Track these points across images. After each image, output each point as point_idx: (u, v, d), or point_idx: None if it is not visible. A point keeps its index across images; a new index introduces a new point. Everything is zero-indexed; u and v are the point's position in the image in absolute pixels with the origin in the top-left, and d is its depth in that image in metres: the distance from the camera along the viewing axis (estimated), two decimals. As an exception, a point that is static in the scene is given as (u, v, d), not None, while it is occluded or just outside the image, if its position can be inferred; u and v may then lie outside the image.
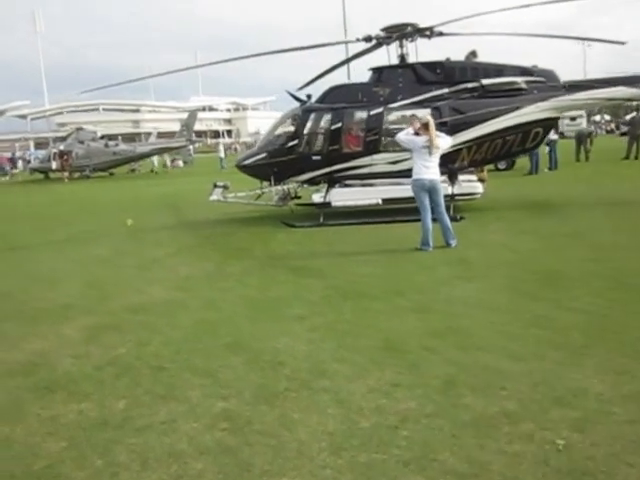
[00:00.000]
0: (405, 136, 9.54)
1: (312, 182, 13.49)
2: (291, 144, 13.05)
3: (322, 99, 13.27)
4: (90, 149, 37.50)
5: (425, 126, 9.18)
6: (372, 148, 12.77)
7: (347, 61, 13.62)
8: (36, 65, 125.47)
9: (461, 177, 13.12)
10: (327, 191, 12.91)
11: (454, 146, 12.48)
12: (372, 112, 12.70)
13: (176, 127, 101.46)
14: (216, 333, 6.11)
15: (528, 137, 12.79)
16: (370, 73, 13.41)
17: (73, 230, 14.28)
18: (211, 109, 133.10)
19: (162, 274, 9.12)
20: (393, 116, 13.04)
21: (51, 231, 14.31)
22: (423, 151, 9.21)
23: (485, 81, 12.59)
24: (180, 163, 49.84)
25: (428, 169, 9.27)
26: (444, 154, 12.55)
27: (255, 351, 5.53)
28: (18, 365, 5.61)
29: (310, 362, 5.18)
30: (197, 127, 49.85)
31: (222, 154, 43.01)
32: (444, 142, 9.40)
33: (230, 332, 6.11)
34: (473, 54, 13.06)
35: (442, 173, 12.88)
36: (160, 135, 50.46)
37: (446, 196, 12.38)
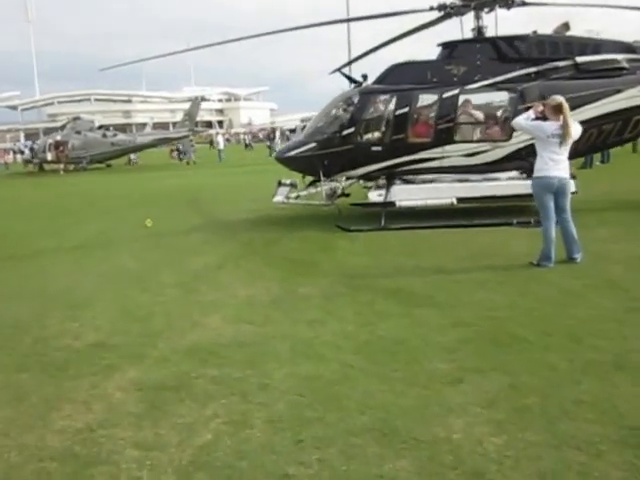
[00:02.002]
0: (527, 121, 7.60)
1: (368, 177, 11.56)
2: (346, 132, 11.11)
3: (382, 79, 11.32)
4: (87, 139, 35.34)
5: (557, 109, 7.24)
6: (444, 138, 10.84)
7: (408, 34, 11.63)
8: (27, 55, 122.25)
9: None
10: (388, 188, 10.96)
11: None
12: (445, 95, 10.76)
13: (169, 117, 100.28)
14: (341, 404, 4.19)
15: (627, 126, 10.91)
16: (439, 49, 11.45)
17: (85, 232, 12.30)
18: (203, 99, 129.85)
19: (214, 296, 7.18)
20: (470, 99, 11.09)
21: (60, 233, 12.30)
22: (553, 141, 7.27)
23: (580, 59, 10.68)
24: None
25: (557, 164, 7.35)
26: (525, 146, 10.77)
27: (422, 444, 3.62)
28: (54, 461, 3.71)
29: (524, 475, 3.26)
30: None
31: (221, 145, 40.91)
32: (578, 130, 7.45)
33: (361, 402, 4.19)
34: (565, 26, 11.11)
35: (520, 168, 11.15)
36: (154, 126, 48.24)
37: (532, 195, 10.59)
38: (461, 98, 10.82)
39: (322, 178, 11.27)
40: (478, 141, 10.92)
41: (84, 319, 6.53)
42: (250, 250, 9.88)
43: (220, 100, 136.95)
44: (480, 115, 11.29)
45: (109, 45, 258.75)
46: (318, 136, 11.41)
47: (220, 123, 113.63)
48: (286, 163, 11.85)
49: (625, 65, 10.77)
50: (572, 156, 11.84)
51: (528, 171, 10.86)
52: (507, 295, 6.51)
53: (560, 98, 7.31)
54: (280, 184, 11.58)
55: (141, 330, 6.08)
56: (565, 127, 7.16)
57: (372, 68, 11.80)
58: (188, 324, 6.19)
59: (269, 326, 5.97)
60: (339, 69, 13.16)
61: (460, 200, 10.66)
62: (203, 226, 12.48)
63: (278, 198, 11.51)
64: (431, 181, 11.19)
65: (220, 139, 45.40)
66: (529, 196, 10.59)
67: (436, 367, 4.72)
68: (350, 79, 11.70)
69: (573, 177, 11.30)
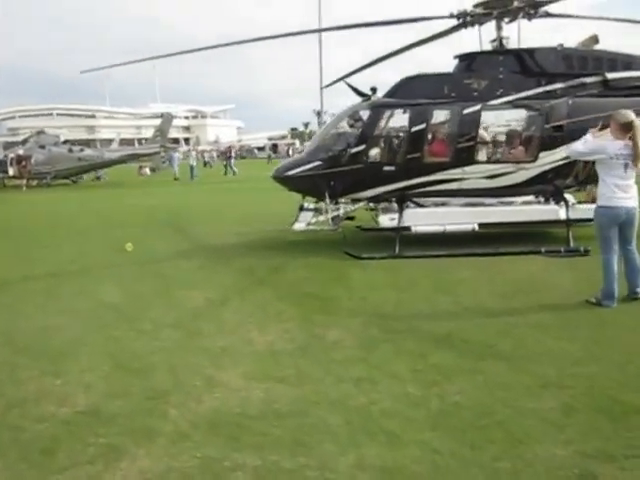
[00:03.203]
0: (585, 144, 6.57)
1: (377, 199, 10.45)
2: (354, 150, 10.01)
3: (393, 93, 10.26)
4: (52, 154, 33.45)
5: (626, 127, 6.26)
6: (464, 158, 9.83)
7: (420, 43, 10.61)
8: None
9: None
10: (401, 212, 9.89)
11: (567, 157, 9.72)
12: (465, 111, 9.76)
13: (134, 134, 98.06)
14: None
15: None
16: (456, 62, 10.49)
17: (56, 257, 10.86)
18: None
19: (225, 341, 5.95)
20: (492, 116, 10.15)
21: (27, 259, 10.81)
22: (617, 163, 6.28)
23: (610, 75, 9.82)
24: (147, 171, 45.97)
25: (625, 192, 6.35)
26: (551, 168, 9.90)
27: None
28: None
29: None
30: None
31: (194, 162, 39.23)
32: None
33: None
34: (593, 39, 10.26)
35: (544, 192, 10.26)
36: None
37: (559, 222, 9.73)
38: (483, 115, 9.83)
39: (327, 200, 10.12)
40: (501, 162, 9.95)
41: (68, 373, 5.24)
42: (253, 280, 8.66)
43: (186, 117, 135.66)
44: (503, 134, 10.38)
45: (70, 60, 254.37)
46: (323, 154, 10.28)
47: (187, 140, 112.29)
48: (285, 183, 10.67)
49: (657, 83, 9.95)
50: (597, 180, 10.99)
51: (552, 195, 10.03)
52: (581, 344, 5.46)
53: (631, 115, 6.33)
54: (302, 209, 10.28)
55: (143, 390, 4.82)
56: (636, 148, 6.17)
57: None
58: (201, 382, 4.96)
59: (306, 386, 4.78)
60: (341, 79, 12.08)
61: (482, 226, 9.66)
62: (191, 251, 11.19)
63: (300, 225, 10.21)
64: (446, 204, 10.21)
65: (193, 154, 44.17)
66: (559, 223, 9.77)
67: (551, 453, 3.61)
68: (357, 92, 10.61)
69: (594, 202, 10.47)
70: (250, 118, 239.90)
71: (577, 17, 10.41)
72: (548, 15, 10.18)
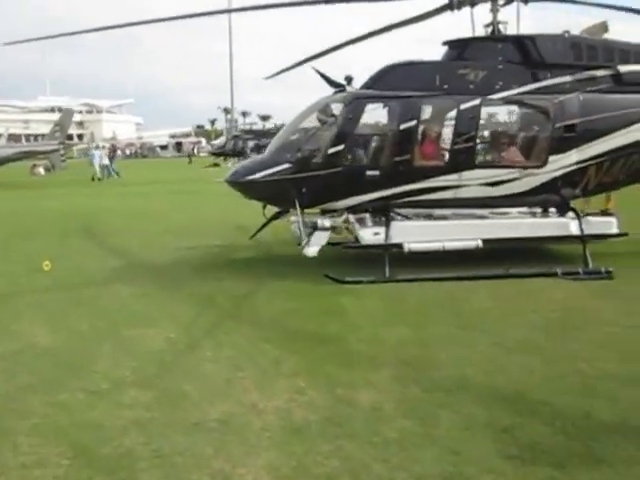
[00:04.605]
0: None
1: (356, 210, 9.20)
2: (331, 151, 8.73)
3: (373, 83, 9.06)
4: None
5: None
6: (462, 161, 8.79)
7: (399, 25, 9.43)
8: None
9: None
10: (387, 226, 8.73)
11: (579, 162, 8.98)
12: (463, 106, 8.73)
13: (22, 129, 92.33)
14: None
15: None
16: (445, 49, 9.46)
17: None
18: (60, 110, 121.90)
19: (221, 411, 4.57)
20: (493, 113, 9.19)
21: None
22: None
23: (623, 68, 9.10)
24: (41, 170, 42.63)
25: None
26: (561, 175, 9.11)
27: None
28: None
29: None
30: (44, 130, 42.22)
31: (106, 160, 36.21)
32: None
33: None
34: (603, 27, 9.50)
35: (548, 202, 9.41)
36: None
37: (573, 237, 8.94)
38: (483, 111, 8.84)
39: (298, 210, 8.77)
40: (505, 167, 8.96)
41: (9, 470, 3.73)
42: (219, 312, 7.24)
43: (80, 112, 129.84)
44: (508, 133, 9.45)
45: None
46: (291, 154, 8.91)
47: (80, 137, 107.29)
48: (245, 189, 9.22)
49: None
50: (606, 189, 10.24)
51: (556, 206, 9.24)
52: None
53: None
54: (317, 228, 8.77)
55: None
56: None
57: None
58: (213, 484, 3.57)
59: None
60: (291, 68, 10.87)
61: (487, 242, 8.65)
62: (126, 270, 9.55)
63: (313, 249, 8.62)
64: (431, 216, 9.19)
65: (100, 153, 40.42)
66: (573, 238, 8.96)
67: None
68: (329, 81, 9.35)
69: (610, 214, 9.73)
70: (150, 114, 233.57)
71: (581, 3, 9.59)
72: (547, -2, 9.36)
